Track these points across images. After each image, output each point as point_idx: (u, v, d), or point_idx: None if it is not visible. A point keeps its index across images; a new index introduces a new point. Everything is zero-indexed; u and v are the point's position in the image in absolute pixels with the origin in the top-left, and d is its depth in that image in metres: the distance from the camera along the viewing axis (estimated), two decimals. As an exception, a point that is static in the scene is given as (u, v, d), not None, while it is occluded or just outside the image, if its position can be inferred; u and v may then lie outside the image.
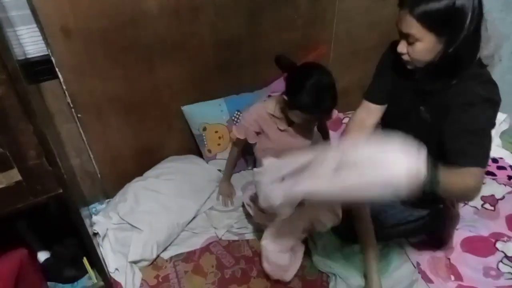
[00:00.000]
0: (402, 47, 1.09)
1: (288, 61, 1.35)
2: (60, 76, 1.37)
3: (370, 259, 1.36)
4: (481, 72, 1.11)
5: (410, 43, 1.07)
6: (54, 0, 1.24)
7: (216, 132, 1.70)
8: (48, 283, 1.41)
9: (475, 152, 1.07)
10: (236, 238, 1.53)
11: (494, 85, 1.10)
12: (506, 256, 1.43)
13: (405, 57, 1.10)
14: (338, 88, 2.08)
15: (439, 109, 1.14)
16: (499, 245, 1.47)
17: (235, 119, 1.72)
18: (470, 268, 1.40)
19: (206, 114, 1.69)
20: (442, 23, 1.00)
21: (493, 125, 1.10)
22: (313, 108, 1.28)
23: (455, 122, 1.10)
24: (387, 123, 1.37)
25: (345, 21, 1.84)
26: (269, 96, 1.49)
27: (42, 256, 1.41)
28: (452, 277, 1.39)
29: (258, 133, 1.47)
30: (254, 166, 1.72)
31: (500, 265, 1.41)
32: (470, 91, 1.08)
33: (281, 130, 1.43)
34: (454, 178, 1.01)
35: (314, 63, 1.33)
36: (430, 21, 1.01)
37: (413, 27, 1.02)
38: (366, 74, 2.09)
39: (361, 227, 1.38)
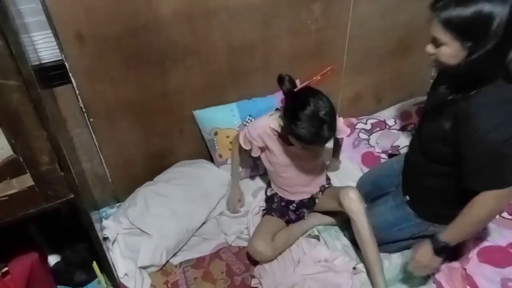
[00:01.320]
0: (429, 48, 1.11)
1: (291, 84, 1.26)
2: (73, 81, 1.38)
3: (375, 274, 1.33)
4: (503, 90, 1.06)
5: (437, 46, 1.08)
6: (69, 7, 1.25)
7: (228, 137, 1.69)
8: (58, 286, 1.41)
9: (487, 175, 1.10)
10: (246, 244, 1.51)
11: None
12: (525, 268, 1.38)
13: (432, 57, 1.12)
14: (352, 93, 2.08)
15: (455, 118, 1.13)
16: (517, 256, 1.42)
17: (247, 124, 1.70)
18: (487, 280, 1.36)
19: (218, 119, 1.68)
20: (467, 30, 1.00)
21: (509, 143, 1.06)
22: (307, 141, 1.22)
23: (466, 142, 1.10)
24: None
25: (360, 26, 1.81)
26: (277, 109, 1.42)
27: (53, 260, 1.42)
28: (468, 288, 1.35)
29: (262, 148, 1.43)
30: (265, 171, 1.70)
31: (519, 277, 1.36)
32: (484, 113, 1.05)
33: (285, 146, 1.39)
34: (463, 220, 1.15)
35: (312, 89, 1.24)
36: (455, 28, 1.01)
37: (439, 31, 1.04)
38: (380, 80, 2.08)
39: (360, 237, 1.35)
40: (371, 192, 1.62)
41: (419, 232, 1.38)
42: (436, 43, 1.07)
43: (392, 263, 1.43)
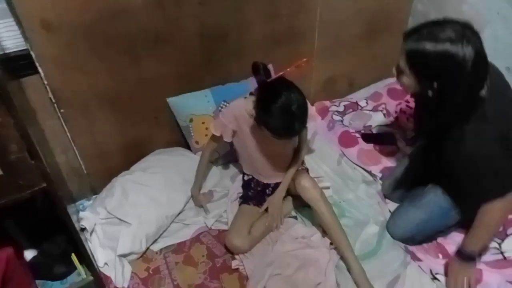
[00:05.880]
0: (394, 70, 1.14)
1: (265, 74, 1.24)
2: (40, 71, 1.34)
3: (344, 251, 1.36)
4: (479, 129, 1.09)
5: (398, 72, 1.10)
6: (33, -7, 1.21)
7: (203, 123, 1.70)
8: (37, 281, 1.39)
9: (486, 190, 1.18)
10: (225, 227, 1.53)
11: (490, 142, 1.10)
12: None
13: (395, 79, 1.14)
14: (324, 77, 2.11)
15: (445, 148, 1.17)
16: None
17: (222, 109, 1.71)
18: (457, 246, 1.43)
19: (193, 106, 1.68)
20: (425, 67, 1.01)
21: (498, 160, 1.13)
22: (278, 133, 1.22)
23: (457, 168, 1.18)
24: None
25: (329, 10, 1.84)
26: (251, 94, 1.40)
27: (29, 254, 1.40)
28: (440, 256, 1.42)
29: (235, 132, 1.42)
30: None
31: (488, 241, 1.44)
32: (467, 148, 1.10)
33: (259, 130, 1.35)
34: (478, 231, 1.24)
35: (285, 81, 1.22)
36: (415, 60, 1.01)
37: (401, 59, 1.04)
38: (352, 63, 2.12)
39: (322, 221, 1.40)
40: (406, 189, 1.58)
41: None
42: (398, 69, 1.09)
43: (362, 239, 1.47)
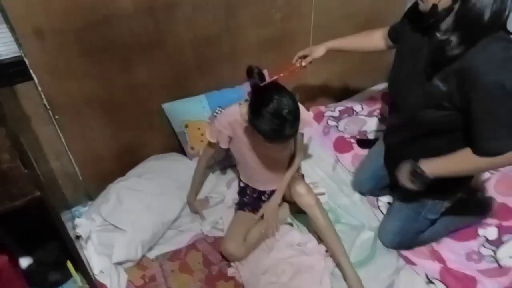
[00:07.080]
0: None
1: (259, 77, 1.25)
2: (34, 77, 1.34)
3: (338, 256, 1.37)
4: (505, 38, 1.00)
5: None
6: (25, 0, 1.21)
7: (199, 129, 1.69)
8: (32, 289, 1.38)
9: (501, 136, 1.02)
10: (221, 234, 1.52)
11: None
12: (487, 240, 1.46)
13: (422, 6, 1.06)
14: (319, 81, 2.11)
15: (455, 75, 1.05)
16: (480, 231, 1.49)
17: (217, 116, 1.71)
18: (452, 253, 1.43)
19: (188, 111, 1.68)
20: None
21: None
22: (268, 137, 1.22)
23: (478, 101, 1.02)
24: (396, 82, 1.30)
25: (322, 14, 1.85)
26: (246, 100, 1.39)
27: (24, 262, 1.39)
28: (436, 261, 1.41)
29: (231, 139, 1.42)
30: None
31: (482, 249, 1.44)
32: (490, 55, 0.99)
33: (255, 135, 1.34)
34: (454, 161, 1.10)
35: (278, 86, 1.23)
36: None
37: None
38: (346, 66, 2.13)
39: (317, 227, 1.40)
40: (376, 184, 1.60)
41: (437, 212, 1.38)
42: None
43: (357, 245, 1.47)
